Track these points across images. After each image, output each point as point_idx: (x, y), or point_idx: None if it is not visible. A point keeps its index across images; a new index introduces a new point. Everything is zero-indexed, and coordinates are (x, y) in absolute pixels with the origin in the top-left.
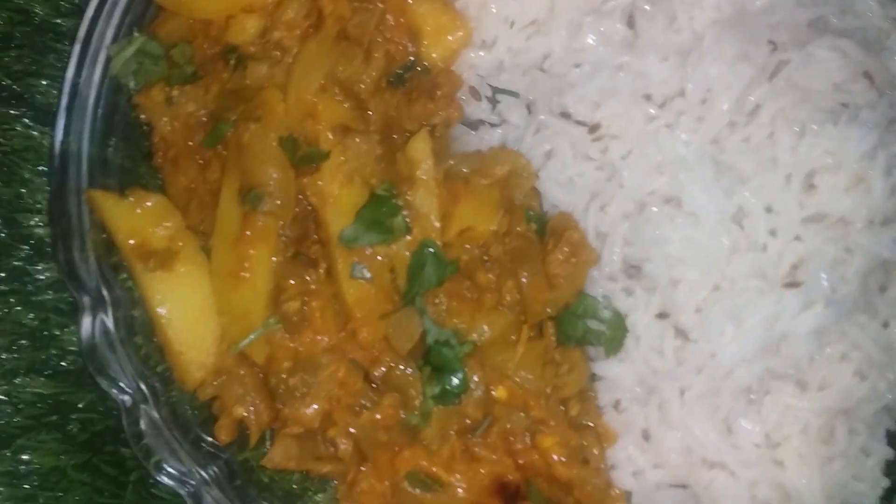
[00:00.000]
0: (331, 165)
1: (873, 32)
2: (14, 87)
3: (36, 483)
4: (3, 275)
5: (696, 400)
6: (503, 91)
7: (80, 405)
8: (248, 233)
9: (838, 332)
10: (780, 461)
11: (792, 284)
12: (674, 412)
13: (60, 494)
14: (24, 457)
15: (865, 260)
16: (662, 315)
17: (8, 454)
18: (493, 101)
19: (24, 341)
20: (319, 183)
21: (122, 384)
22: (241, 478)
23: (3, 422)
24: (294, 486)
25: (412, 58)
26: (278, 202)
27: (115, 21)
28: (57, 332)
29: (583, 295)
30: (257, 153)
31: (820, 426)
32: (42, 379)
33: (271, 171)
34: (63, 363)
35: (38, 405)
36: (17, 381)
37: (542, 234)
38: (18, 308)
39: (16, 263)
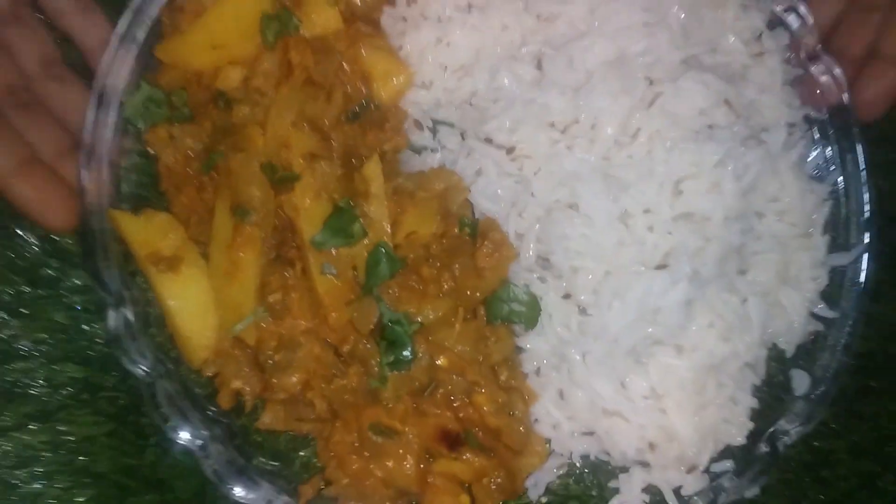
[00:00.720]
0: (302, 185)
1: (737, 66)
2: None
3: (73, 449)
4: (40, 282)
5: (595, 363)
6: (441, 122)
7: (107, 385)
8: (238, 240)
9: (706, 306)
10: (663, 409)
11: (661, 267)
12: (579, 373)
13: (93, 457)
14: (63, 428)
15: (720, 247)
16: (567, 296)
17: (50, 426)
18: (433, 131)
19: (59, 335)
20: (293, 199)
21: (141, 366)
22: (239, 439)
23: (45, 400)
24: (282, 446)
25: (366, 97)
26: (261, 215)
27: (125, 75)
28: (85, 327)
29: (506, 283)
30: (243, 177)
31: (693, 380)
32: (75, 365)
33: (255, 191)
34: (91, 352)
35: (73, 386)
36: (55, 367)
37: (473, 235)
38: (54, 308)
39: (50, 273)
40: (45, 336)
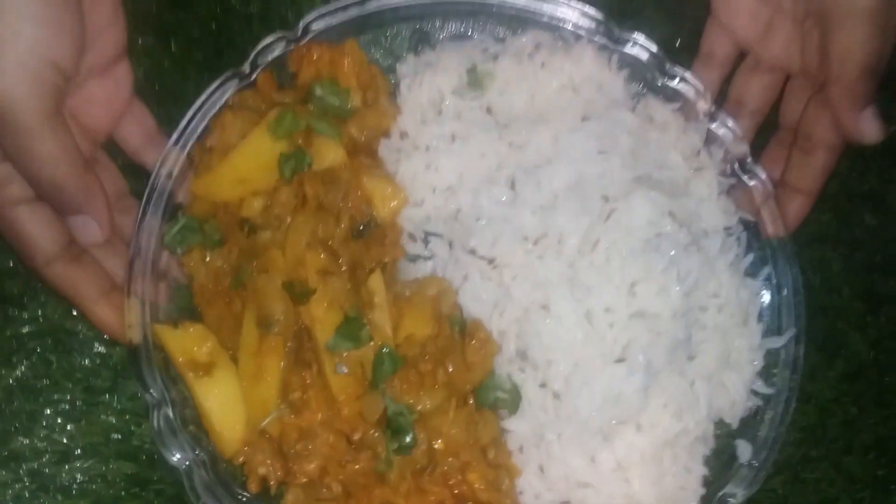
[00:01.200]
0: (317, 298)
1: (680, 180)
2: None
3: None
4: (94, 391)
5: (569, 441)
6: (432, 233)
7: (154, 479)
8: (263, 348)
9: (660, 389)
10: (627, 479)
11: (620, 360)
12: (555, 451)
13: None
14: None
15: (669, 340)
16: (543, 385)
17: None
18: (426, 241)
19: (112, 436)
20: (310, 310)
21: (181, 457)
22: None
23: (101, 494)
24: None
25: (368, 217)
26: (283, 326)
27: (162, 207)
28: (135, 429)
29: (491, 374)
30: (268, 294)
31: (653, 454)
32: (126, 462)
33: (278, 306)
34: (141, 451)
35: (125, 481)
36: (109, 465)
37: (462, 334)
38: (107, 414)
39: (103, 383)
40: (100, 439)
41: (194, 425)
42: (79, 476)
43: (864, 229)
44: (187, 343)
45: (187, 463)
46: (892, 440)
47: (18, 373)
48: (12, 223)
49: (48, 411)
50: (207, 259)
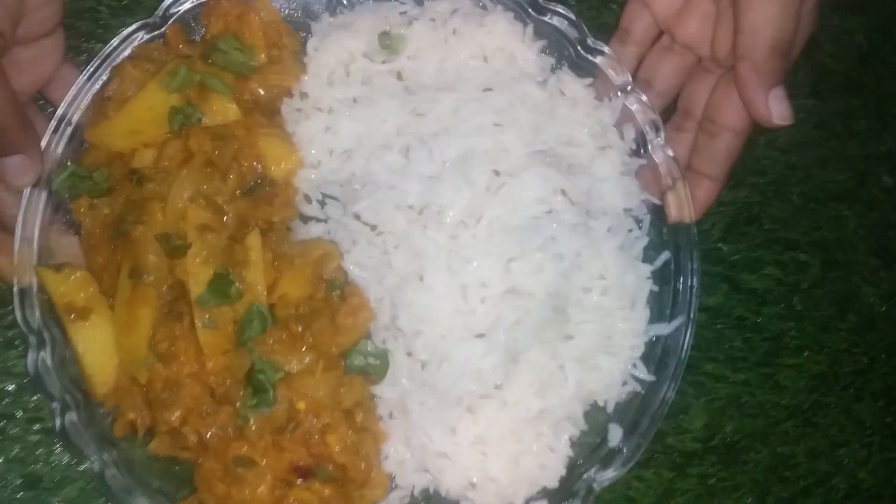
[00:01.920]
0: (192, 253)
1: (584, 157)
2: None
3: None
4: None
5: (430, 411)
6: (328, 196)
7: None
8: (134, 298)
9: (528, 367)
10: (485, 453)
11: (479, 336)
12: (417, 419)
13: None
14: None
15: (537, 321)
16: (410, 354)
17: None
18: (322, 203)
19: None
20: (185, 264)
21: (55, 398)
22: (132, 461)
23: None
24: (166, 467)
25: (260, 176)
26: (154, 278)
27: (56, 155)
28: None
29: (363, 339)
30: (142, 245)
31: (513, 430)
32: None
33: (151, 258)
34: None
35: None
36: None
37: (343, 299)
38: None
39: None
40: None
41: (70, 367)
42: None
43: (880, 189)
44: (68, 287)
45: (60, 404)
46: None
47: None
48: None
49: None
50: (94, 207)
